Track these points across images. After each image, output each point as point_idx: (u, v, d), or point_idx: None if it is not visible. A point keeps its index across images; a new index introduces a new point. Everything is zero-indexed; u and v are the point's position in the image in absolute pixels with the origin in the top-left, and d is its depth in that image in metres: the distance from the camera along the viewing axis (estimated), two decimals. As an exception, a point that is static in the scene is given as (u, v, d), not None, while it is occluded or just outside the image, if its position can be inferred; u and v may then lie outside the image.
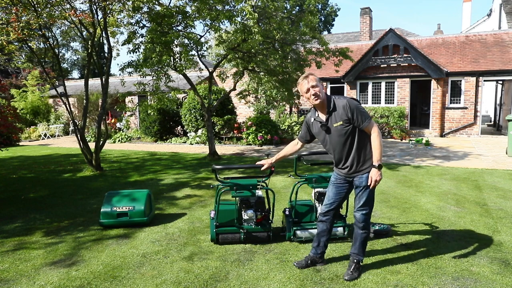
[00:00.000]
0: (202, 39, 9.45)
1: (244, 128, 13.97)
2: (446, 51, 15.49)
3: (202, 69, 10.83)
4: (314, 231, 4.08)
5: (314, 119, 3.32)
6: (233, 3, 9.19)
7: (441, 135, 14.56)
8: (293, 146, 3.66)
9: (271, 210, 4.25)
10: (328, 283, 3.23)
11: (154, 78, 9.35)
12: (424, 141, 12.31)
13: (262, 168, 3.69)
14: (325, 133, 3.26)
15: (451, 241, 4.06)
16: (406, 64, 14.65)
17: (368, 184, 3.16)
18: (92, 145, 9.08)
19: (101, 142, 8.90)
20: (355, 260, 3.34)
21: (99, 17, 8.78)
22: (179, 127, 16.18)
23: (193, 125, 14.58)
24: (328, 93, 16.55)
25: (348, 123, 3.14)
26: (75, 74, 41.49)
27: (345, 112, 3.12)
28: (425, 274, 3.34)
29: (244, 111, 17.70)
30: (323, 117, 3.24)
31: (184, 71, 9.24)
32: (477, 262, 3.54)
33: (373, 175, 3.12)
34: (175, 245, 4.18)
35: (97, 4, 8.16)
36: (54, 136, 18.97)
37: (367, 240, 3.43)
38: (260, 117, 13.43)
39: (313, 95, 3.14)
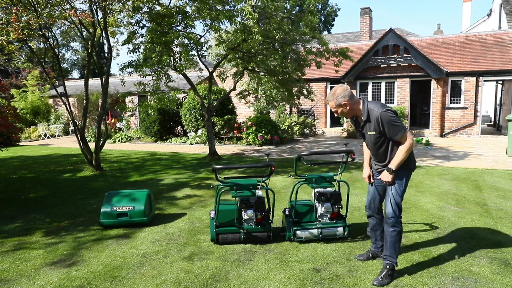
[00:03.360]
0: (202, 39, 9.46)
1: (244, 128, 13.97)
2: (446, 51, 15.48)
3: (202, 69, 10.83)
4: (314, 231, 4.10)
5: (354, 121, 3.45)
6: (233, 3, 9.20)
7: (441, 135, 14.56)
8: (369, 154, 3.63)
9: (271, 210, 4.25)
10: (328, 283, 3.23)
11: (154, 78, 9.35)
12: (424, 141, 12.31)
13: (367, 180, 3.59)
14: (362, 135, 3.44)
15: (451, 241, 4.06)
16: (406, 64, 14.65)
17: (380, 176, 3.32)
18: (92, 145, 9.08)
19: (101, 142, 8.90)
20: (387, 266, 3.23)
21: (99, 17, 8.79)
22: (179, 127, 16.18)
23: (193, 125, 14.57)
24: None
25: (381, 134, 3.21)
26: (75, 74, 41.52)
27: (378, 124, 3.17)
28: (425, 274, 3.34)
29: (244, 111, 17.70)
30: (361, 120, 3.32)
31: (184, 71, 9.24)
32: (477, 262, 3.54)
33: (383, 177, 3.28)
34: (175, 245, 4.18)
35: (97, 4, 8.16)
36: (54, 136, 18.97)
37: (399, 238, 3.26)
38: (260, 117, 13.43)
39: (337, 113, 3.33)
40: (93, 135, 15.72)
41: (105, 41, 8.86)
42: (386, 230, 3.28)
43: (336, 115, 3.35)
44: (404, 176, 3.28)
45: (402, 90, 14.85)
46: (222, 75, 10.79)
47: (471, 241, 4.05)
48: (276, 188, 6.54)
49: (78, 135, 8.71)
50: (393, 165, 3.18)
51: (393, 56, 14.73)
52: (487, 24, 22.47)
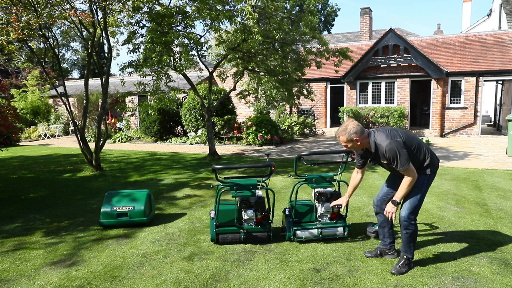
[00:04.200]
0: (202, 39, 9.46)
1: (244, 128, 13.96)
2: (446, 51, 15.48)
3: (202, 69, 10.83)
4: (314, 231, 4.10)
5: (364, 151, 3.51)
6: (233, 3, 9.19)
7: (441, 135, 14.55)
8: (356, 175, 3.76)
9: (271, 210, 4.25)
10: (328, 283, 3.23)
11: (154, 78, 9.35)
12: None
13: (342, 209, 3.90)
14: (378, 163, 3.52)
15: (451, 241, 4.06)
16: (406, 64, 14.65)
17: (384, 213, 3.43)
18: (92, 145, 9.09)
19: (101, 142, 8.90)
20: (404, 256, 3.41)
21: (99, 17, 8.79)
22: (179, 127, 16.17)
23: (193, 125, 14.57)
24: (328, 93, 16.61)
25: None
26: (75, 74, 41.51)
27: (385, 157, 3.28)
28: (425, 274, 3.34)
29: (244, 111, 17.70)
30: (371, 151, 3.41)
31: (184, 71, 9.23)
32: (477, 262, 3.54)
33: (388, 208, 3.37)
34: (175, 245, 4.18)
35: (97, 4, 8.16)
36: (54, 136, 18.97)
37: (413, 238, 3.39)
38: (260, 117, 13.42)
39: (347, 147, 3.42)
40: (93, 135, 15.71)
41: (105, 41, 8.86)
42: (401, 230, 3.43)
43: (347, 149, 3.45)
44: (424, 182, 3.37)
45: (402, 90, 14.85)
46: (222, 75, 10.78)
47: (471, 241, 4.04)
48: (276, 188, 6.54)
49: (78, 135, 8.70)
50: (397, 197, 3.30)
51: (393, 56, 14.73)
52: (487, 24, 22.47)
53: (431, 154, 3.40)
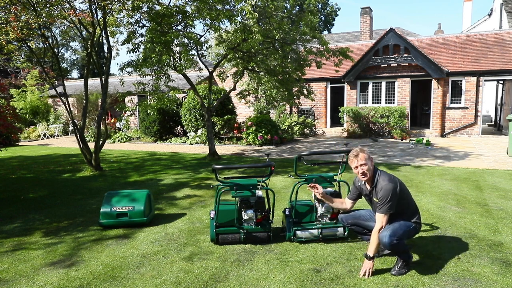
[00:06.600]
0: (202, 39, 9.45)
1: (244, 128, 13.95)
2: (446, 51, 15.47)
3: (202, 69, 10.81)
4: (314, 231, 4.09)
5: (360, 185, 3.70)
6: (233, 3, 9.18)
7: (442, 135, 14.54)
8: (344, 204, 3.89)
9: (271, 210, 4.24)
10: (328, 284, 3.22)
11: (154, 78, 9.33)
12: (424, 141, 12.29)
13: (318, 196, 3.92)
14: (369, 200, 3.67)
15: (452, 242, 4.05)
16: (407, 64, 14.63)
17: (360, 273, 3.35)
18: (91, 145, 9.07)
19: (100, 142, 8.88)
20: (402, 259, 3.39)
21: (98, 17, 8.77)
22: (179, 127, 16.16)
23: (193, 125, 14.55)
24: (329, 93, 16.60)
25: None
26: (75, 74, 41.47)
27: (377, 194, 3.43)
28: (425, 274, 3.33)
29: (244, 111, 17.68)
30: (368, 187, 3.57)
31: (184, 71, 9.22)
32: (478, 263, 3.53)
33: (365, 265, 3.34)
34: (175, 245, 4.17)
35: (96, 3, 8.14)
36: (54, 136, 18.95)
37: (402, 249, 3.34)
38: (260, 117, 13.41)
39: (360, 173, 3.49)
40: (92, 135, 15.69)
41: (104, 41, 8.84)
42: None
43: (362, 171, 3.45)
44: (411, 225, 3.45)
45: (403, 90, 14.83)
46: (222, 75, 10.77)
47: (472, 242, 4.03)
48: (276, 188, 6.52)
49: (78, 135, 8.69)
50: (370, 251, 3.32)
51: (393, 55, 14.71)
52: (488, 23, 22.45)
53: (419, 215, 3.58)
